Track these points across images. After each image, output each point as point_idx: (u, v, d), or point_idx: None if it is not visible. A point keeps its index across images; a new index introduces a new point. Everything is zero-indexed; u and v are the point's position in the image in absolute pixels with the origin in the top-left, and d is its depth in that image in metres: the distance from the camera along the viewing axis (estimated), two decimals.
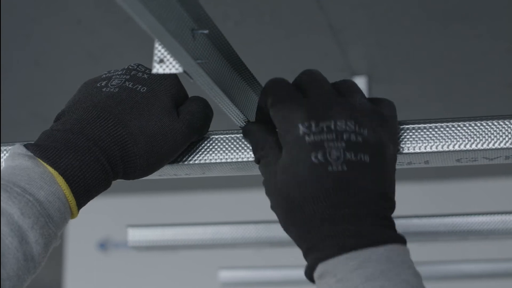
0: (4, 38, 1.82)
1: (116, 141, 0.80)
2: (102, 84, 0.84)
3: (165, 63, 0.74)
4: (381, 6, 1.66)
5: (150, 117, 0.82)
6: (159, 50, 0.74)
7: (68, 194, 0.76)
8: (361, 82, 1.97)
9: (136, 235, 1.61)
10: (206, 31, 0.74)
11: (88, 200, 0.81)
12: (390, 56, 1.92)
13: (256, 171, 0.89)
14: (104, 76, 0.87)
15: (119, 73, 0.86)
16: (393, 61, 1.95)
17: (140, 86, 0.84)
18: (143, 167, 0.82)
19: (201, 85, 0.78)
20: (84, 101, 0.83)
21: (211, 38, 0.78)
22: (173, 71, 0.73)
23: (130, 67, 0.87)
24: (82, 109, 0.82)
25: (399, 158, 0.86)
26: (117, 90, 0.83)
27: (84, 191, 0.78)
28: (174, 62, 0.74)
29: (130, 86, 0.84)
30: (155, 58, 0.74)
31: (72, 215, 0.79)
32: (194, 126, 0.85)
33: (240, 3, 1.66)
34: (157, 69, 0.74)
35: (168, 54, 0.73)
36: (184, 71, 0.75)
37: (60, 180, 0.76)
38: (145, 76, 0.86)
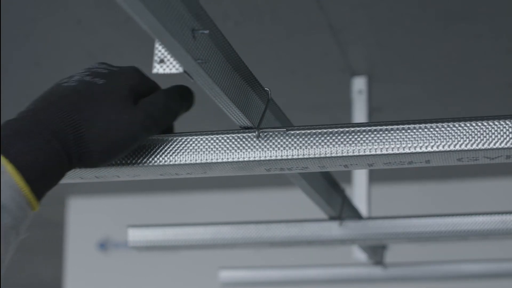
0: (4, 38, 1.82)
1: (68, 125, 0.80)
2: (64, 81, 0.86)
3: (166, 63, 0.74)
4: (381, 6, 1.66)
5: (105, 104, 0.83)
6: (159, 50, 0.74)
7: (19, 181, 0.74)
8: (361, 82, 1.97)
9: (136, 235, 1.61)
10: (206, 31, 0.74)
11: (46, 188, 0.78)
12: (390, 56, 1.92)
13: (257, 171, 0.89)
14: (68, 76, 0.88)
15: (81, 71, 0.88)
16: (393, 61, 1.95)
17: (98, 79, 0.85)
18: (98, 153, 0.82)
19: (202, 85, 0.78)
20: (43, 95, 0.85)
21: (211, 38, 0.78)
22: (173, 71, 0.73)
23: (92, 66, 0.89)
24: (39, 100, 0.83)
25: (400, 158, 0.86)
26: (75, 84, 0.85)
27: (37, 176, 0.76)
28: (174, 62, 0.74)
29: (88, 79, 0.85)
30: (156, 58, 0.74)
31: (31, 204, 0.76)
32: (153, 115, 0.85)
33: (240, 3, 1.67)
34: (158, 69, 0.74)
35: (168, 54, 0.73)
36: (185, 71, 0.75)
37: (10, 168, 0.74)
38: (105, 71, 0.87)
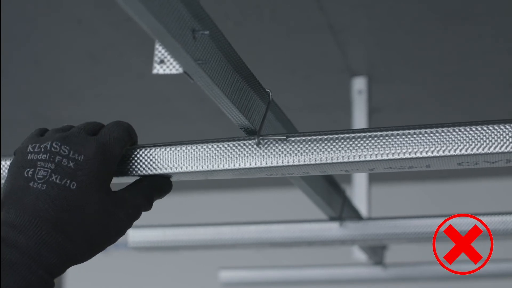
0: (4, 38, 1.82)
1: (53, 249, 0.79)
2: (29, 175, 0.82)
3: (166, 64, 0.74)
4: (381, 6, 1.66)
5: (86, 215, 0.81)
6: (160, 51, 0.74)
7: None
8: (361, 82, 1.97)
9: (136, 235, 1.61)
10: (206, 32, 0.74)
11: None
12: (390, 56, 1.91)
13: (258, 174, 0.89)
14: (30, 157, 0.83)
15: (42, 157, 0.83)
16: (393, 61, 1.95)
17: (68, 181, 0.81)
18: (85, 259, 0.83)
19: (202, 86, 0.78)
20: (14, 197, 0.81)
21: (211, 39, 0.77)
22: (173, 71, 0.73)
23: (53, 149, 0.83)
24: (14, 212, 0.80)
25: (401, 163, 0.85)
26: (44, 187, 0.81)
27: None
28: (174, 63, 0.73)
29: (57, 182, 0.81)
30: (156, 58, 0.74)
31: None
32: (137, 214, 0.87)
33: (240, 3, 1.66)
34: (158, 69, 0.74)
35: (168, 54, 0.73)
36: (185, 72, 0.75)
37: None
38: (71, 164, 0.82)
